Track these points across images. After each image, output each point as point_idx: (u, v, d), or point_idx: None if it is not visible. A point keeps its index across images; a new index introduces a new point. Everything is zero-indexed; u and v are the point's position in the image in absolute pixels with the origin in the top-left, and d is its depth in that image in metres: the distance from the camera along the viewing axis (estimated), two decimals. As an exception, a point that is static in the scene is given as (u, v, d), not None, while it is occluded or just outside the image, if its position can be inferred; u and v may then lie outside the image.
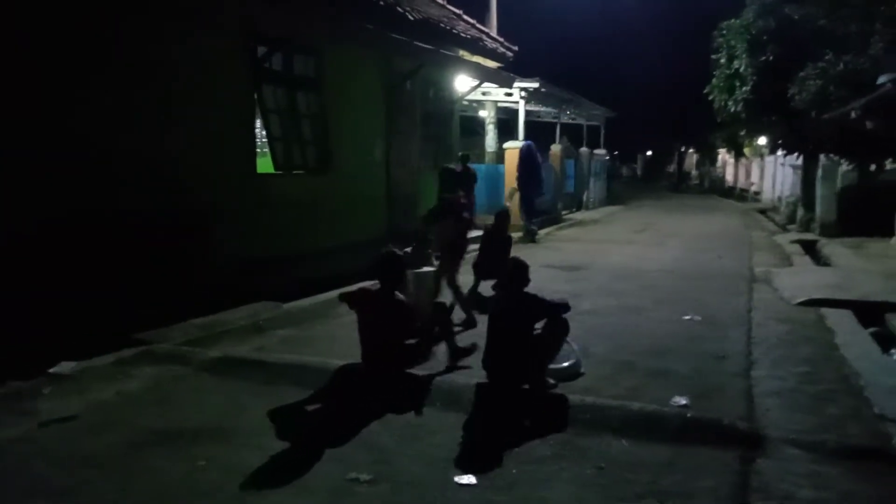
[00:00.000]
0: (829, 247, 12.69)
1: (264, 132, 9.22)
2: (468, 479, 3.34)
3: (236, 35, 7.96)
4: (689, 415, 4.10)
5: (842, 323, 6.59)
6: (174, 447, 3.74)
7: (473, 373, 4.87)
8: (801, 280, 8.86)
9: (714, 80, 17.51)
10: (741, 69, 15.93)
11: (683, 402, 4.34)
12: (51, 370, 5.01)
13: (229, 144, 7.96)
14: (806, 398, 4.50)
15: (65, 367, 5.14)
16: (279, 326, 6.46)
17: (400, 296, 4.80)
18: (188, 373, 5.06)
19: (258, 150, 9.44)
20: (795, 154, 17.52)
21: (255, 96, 8.59)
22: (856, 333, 6.26)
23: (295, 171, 9.33)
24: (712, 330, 6.40)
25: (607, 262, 10.72)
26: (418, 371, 4.78)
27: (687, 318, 6.84)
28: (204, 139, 7.51)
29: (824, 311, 7.12)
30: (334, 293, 7.86)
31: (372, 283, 5.04)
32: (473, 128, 20.99)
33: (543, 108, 21.44)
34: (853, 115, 11.15)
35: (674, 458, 3.60)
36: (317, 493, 3.26)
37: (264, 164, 9.09)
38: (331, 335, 6.17)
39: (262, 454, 3.65)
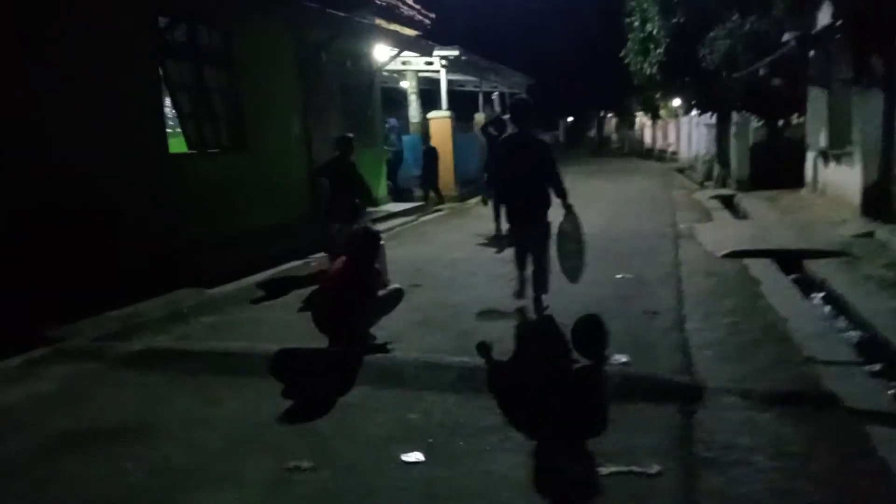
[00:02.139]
0: (746, 201, 13.19)
1: (174, 111, 8.69)
2: (414, 456, 3.22)
3: (135, 4, 7.40)
4: (629, 372, 4.10)
5: (765, 272, 6.80)
6: (92, 449, 3.45)
7: (411, 346, 4.75)
8: (723, 234, 9.14)
9: (629, 44, 17.80)
10: (654, 32, 16.23)
11: (624, 359, 4.35)
12: (-51, 376, 4.58)
13: (136, 124, 7.44)
14: (737, 347, 4.60)
15: (-35, 372, 4.70)
16: (203, 313, 6.13)
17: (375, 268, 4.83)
18: (105, 369, 4.71)
19: (170, 129, 8.90)
20: (709, 113, 18.09)
21: (160, 72, 8.06)
22: (778, 281, 6.48)
23: (209, 151, 8.86)
24: (643, 287, 6.49)
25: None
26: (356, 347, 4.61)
27: (619, 276, 6.92)
28: (107, 118, 6.98)
29: (747, 261, 7.35)
30: (259, 276, 7.63)
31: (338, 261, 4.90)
32: (397, 99, 20.61)
33: (465, 77, 21.28)
34: (760, 72, 11.52)
35: (617, 416, 3.59)
36: (253, 486, 3.06)
37: (177, 145, 8.58)
38: (256, 319, 5.91)
39: (190, 450, 3.42)
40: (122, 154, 7.13)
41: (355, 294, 4.56)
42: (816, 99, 12.37)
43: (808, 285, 6.60)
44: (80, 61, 6.64)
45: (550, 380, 4.03)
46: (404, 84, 19.09)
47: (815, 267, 6.99)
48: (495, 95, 22.34)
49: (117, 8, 7.14)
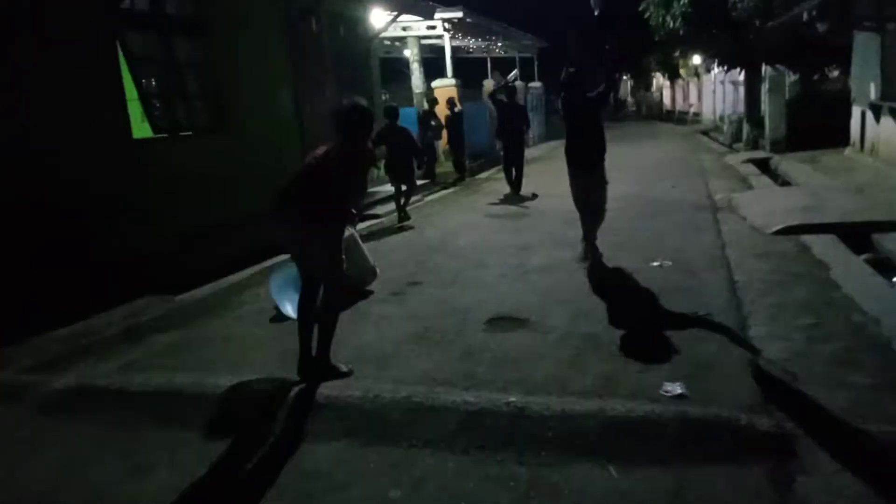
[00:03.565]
0: (785, 163, 11.97)
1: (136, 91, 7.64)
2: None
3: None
4: (689, 414, 3.06)
5: (830, 252, 5.70)
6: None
7: (401, 372, 3.75)
8: (768, 204, 7.99)
9: (649, -5, 16.40)
10: (677, -19, 14.84)
11: (678, 390, 3.31)
12: None
13: (89, 107, 6.44)
14: (826, 363, 3.53)
15: None
16: (163, 328, 5.16)
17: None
18: (24, 416, 3.75)
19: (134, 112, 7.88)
20: (736, 69, 16.71)
21: (118, 45, 7.02)
22: (850, 264, 5.38)
23: (181, 134, 7.84)
24: (686, 277, 5.41)
25: (554, 205, 9.59)
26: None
27: (655, 264, 5.84)
28: (53, 104, 5.99)
29: (805, 238, 6.25)
30: (239, 275, 6.63)
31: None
32: (399, 69, 19.43)
33: (472, 43, 20.02)
34: (805, 17, 10.21)
35: (679, 489, 2.57)
36: None
37: (142, 129, 7.57)
38: (222, 334, 4.91)
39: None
40: (74, 143, 6.15)
41: (340, 173, 3.75)
42: (865, 45, 11.04)
43: (885, 267, 5.48)
44: (16, 37, 5.64)
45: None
46: (407, 53, 17.92)
47: (892, 243, 5.86)
48: (514, 73, 20.80)
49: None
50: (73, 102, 6.20)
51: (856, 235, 6.32)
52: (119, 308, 5.67)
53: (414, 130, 12.43)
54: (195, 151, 7.82)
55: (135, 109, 7.38)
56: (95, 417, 3.66)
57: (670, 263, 5.80)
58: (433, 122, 13.53)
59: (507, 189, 11.22)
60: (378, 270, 5.76)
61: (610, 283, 5.41)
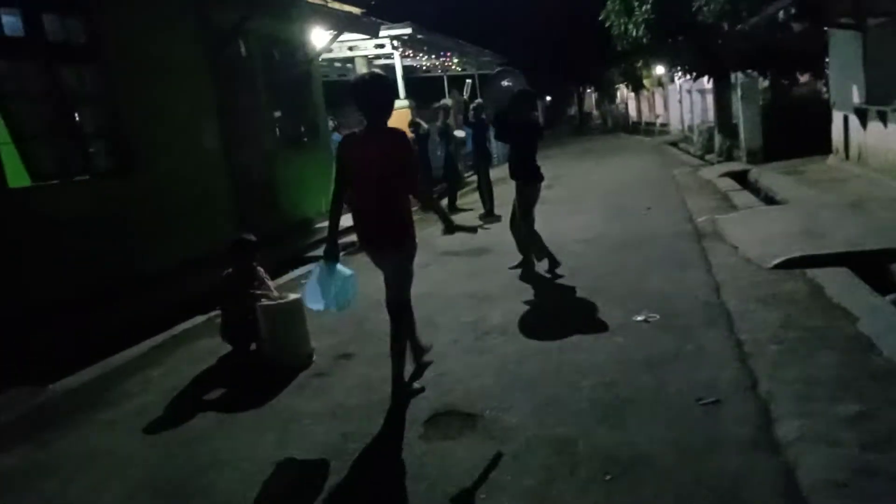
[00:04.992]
0: (765, 176, 11.09)
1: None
2: None
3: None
4: None
5: (849, 294, 4.68)
6: None
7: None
8: (759, 229, 7.01)
9: (609, 4, 15.58)
10: (638, -13, 14.04)
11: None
12: None
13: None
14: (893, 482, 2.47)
15: None
16: (12, 437, 3.94)
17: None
18: None
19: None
20: (704, 78, 15.95)
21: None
22: (879, 311, 4.32)
23: (76, 179, 6.62)
24: (679, 337, 4.32)
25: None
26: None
27: (639, 319, 4.76)
28: None
29: (813, 274, 5.23)
30: (130, 353, 5.36)
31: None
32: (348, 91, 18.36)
33: (426, 61, 19.06)
34: (781, 17, 9.35)
35: None
36: None
37: (21, 177, 6.33)
38: (86, 450, 3.69)
39: None
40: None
41: (392, 165, 3.68)
42: (844, 46, 10.24)
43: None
44: None
45: None
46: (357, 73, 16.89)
47: (920, 278, 4.88)
48: (468, 83, 20.08)
49: None
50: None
51: (868, 266, 5.36)
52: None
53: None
54: (91, 198, 6.61)
55: (9, 154, 6.18)
56: None
57: (657, 317, 4.72)
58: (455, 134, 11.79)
59: (470, 216, 10.30)
60: (314, 358, 4.69)
61: (584, 351, 4.30)
